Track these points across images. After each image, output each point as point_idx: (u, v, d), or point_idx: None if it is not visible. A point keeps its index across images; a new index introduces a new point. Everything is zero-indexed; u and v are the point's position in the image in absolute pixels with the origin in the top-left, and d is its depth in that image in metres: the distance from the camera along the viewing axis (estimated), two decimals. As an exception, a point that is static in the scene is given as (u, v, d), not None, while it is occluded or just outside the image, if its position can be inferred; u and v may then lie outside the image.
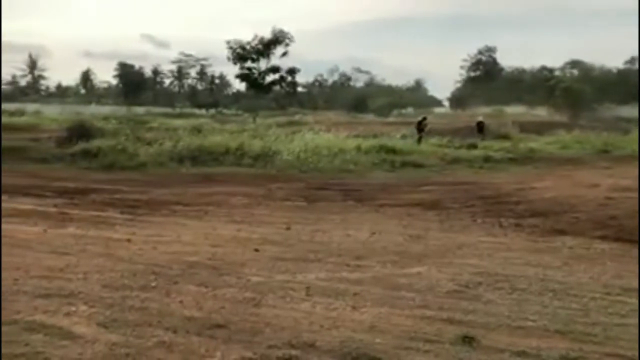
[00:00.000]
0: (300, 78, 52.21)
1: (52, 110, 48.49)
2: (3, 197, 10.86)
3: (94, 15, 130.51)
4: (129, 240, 7.53)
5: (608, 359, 4.08)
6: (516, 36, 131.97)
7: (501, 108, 57.74)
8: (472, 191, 13.00)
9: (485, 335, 4.41)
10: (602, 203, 11.05)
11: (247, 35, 59.07)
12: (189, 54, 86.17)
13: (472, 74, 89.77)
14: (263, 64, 45.14)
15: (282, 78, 46.18)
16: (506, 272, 6.26)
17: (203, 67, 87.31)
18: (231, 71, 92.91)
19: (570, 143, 26.58)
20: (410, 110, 70.39)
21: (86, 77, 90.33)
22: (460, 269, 6.37)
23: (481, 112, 44.79)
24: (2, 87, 78.74)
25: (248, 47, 44.05)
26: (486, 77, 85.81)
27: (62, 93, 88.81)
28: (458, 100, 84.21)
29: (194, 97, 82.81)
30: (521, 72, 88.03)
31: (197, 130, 25.90)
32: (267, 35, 44.04)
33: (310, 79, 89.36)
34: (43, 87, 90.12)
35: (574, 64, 76.78)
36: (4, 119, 35.41)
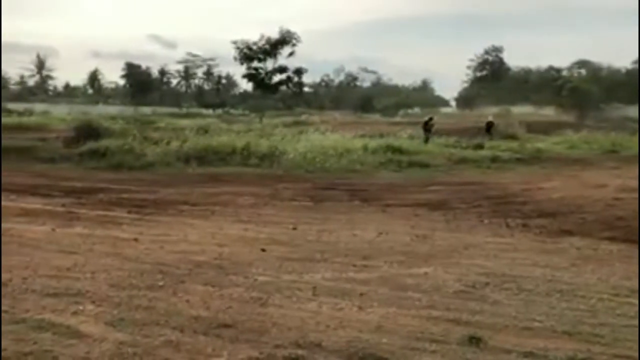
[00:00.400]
0: (306, 78, 52.22)
1: (60, 110, 48.73)
2: (12, 197, 10.94)
3: (101, 16, 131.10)
4: (136, 240, 7.56)
5: (616, 360, 4.06)
6: (523, 36, 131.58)
7: (508, 108, 57.55)
8: (479, 191, 12.96)
9: (492, 336, 4.39)
10: (610, 204, 11.00)
11: (253, 35, 59.32)
12: (195, 54, 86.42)
13: (479, 73, 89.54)
14: (270, 64, 45.21)
15: (288, 78, 46.21)
16: (513, 273, 6.24)
17: (210, 67, 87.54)
18: (238, 71, 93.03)
19: (578, 143, 26.45)
20: (416, 110, 70.32)
21: (94, 77, 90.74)
22: (467, 270, 6.35)
23: (489, 112, 44.61)
24: (11, 87, 79.31)
25: (255, 47, 44.10)
26: (493, 77, 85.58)
27: (69, 93, 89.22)
28: (465, 100, 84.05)
29: (200, 97, 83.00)
30: (528, 72, 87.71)
31: (204, 130, 25.92)
32: (274, 35, 44.13)
33: (317, 79, 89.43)
34: (51, 87, 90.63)
35: (582, 63, 76.40)
36: (13, 119, 35.67)
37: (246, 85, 59.19)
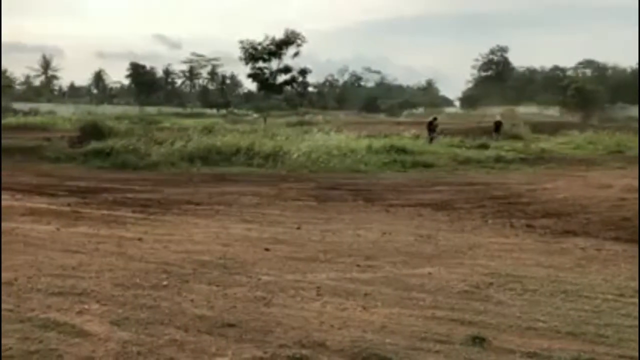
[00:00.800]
0: (311, 78, 52.38)
1: (65, 110, 48.97)
2: (17, 196, 10.99)
3: (106, 17, 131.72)
4: (140, 239, 7.58)
5: (620, 361, 4.06)
6: (528, 36, 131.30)
7: (513, 108, 57.47)
8: (483, 191, 12.95)
9: (496, 336, 4.39)
10: (615, 204, 10.97)
11: (257, 35, 59.28)
12: (200, 54, 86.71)
13: (484, 73, 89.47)
14: (274, 65, 45.23)
15: (293, 78, 46.21)
16: (517, 273, 6.23)
17: (214, 67, 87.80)
18: (242, 71, 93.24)
19: (583, 143, 26.42)
20: (421, 110, 70.28)
21: (99, 77, 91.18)
22: (471, 270, 6.35)
23: (493, 112, 44.55)
24: (16, 87, 79.65)
25: (260, 47, 44.13)
26: (498, 77, 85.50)
27: (75, 93, 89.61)
28: (469, 100, 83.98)
29: (205, 97, 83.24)
30: (533, 72, 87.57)
31: (208, 130, 26.02)
32: (279, 35, 44.16)
33: (321, 79, 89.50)
34: (56, 88, 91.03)
35: (587, 63, 76.25)
36: (19, 119, 35.88)
37: (250, 85, 59.35)
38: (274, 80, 45.72)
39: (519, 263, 6.76)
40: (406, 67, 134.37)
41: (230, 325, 4.52)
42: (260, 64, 44.84)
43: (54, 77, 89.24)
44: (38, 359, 3.87)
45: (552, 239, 8.31)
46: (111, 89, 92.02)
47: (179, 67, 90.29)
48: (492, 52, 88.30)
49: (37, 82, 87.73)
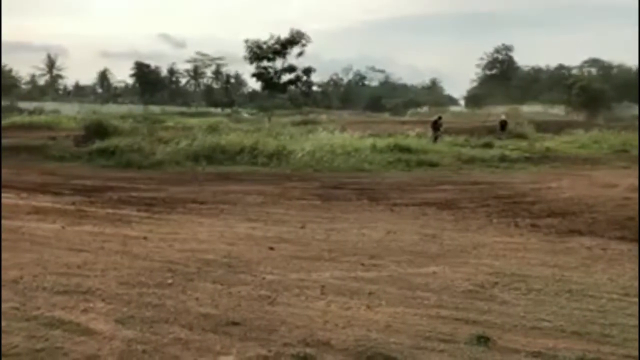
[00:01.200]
0: (315, 77, 52.17)
1: (70, 109, 49.11)
2: (22, 195, 11.04)
3: (111, 16, 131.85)
4: (145, 238, 7.60)
5: (625, 360, 4.04)
6: (533, 35, 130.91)
7: (517, 107, 57.29)
8: (487, 191, 12.92)
9: (500, 336, 4.38)
10: (620, 203, 10.93)
11: (261, 34, 59.26)
12: (204, 54, 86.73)
13: (489, 72, 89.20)
14: (279, 64, 45.25)
15: (297, 78, 46.22)
16: (522, 273, 6.22)
17: (218, 66, 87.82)
18: (246, 70, 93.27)
19: (588, 142, 26.32)
20: (425, 109, 70.13)
21: (103, 76, 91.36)
22: (475, 269, 6.34)
23: (498, 111, 44.47)
24: (22, 86, 79.94)
25: (265, 46, 44.16)
26: (502, 76, 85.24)
27: (79, 92, 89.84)
28: (474, 99, 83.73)
29: (209, 96, 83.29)
30: (538, 70, 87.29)
31: (213, 129, 26.04)
32: (284, 35, 44.19)
33: (325, 79, 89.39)
34: (61, 87, 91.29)
35: (593, 62, 75.95)
36: (24, 118, 36.02)
37: (255, 85, 59.32)
38: (278, 80, 45.77)
39: (524, 262, 6.75)
40: (410, 66, 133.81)
41: (235, 324, 4.52)
42: (265, 63, 44.90)
43: (59, 76, 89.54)
44: (44, 357, 3.89)
45: (557, 238, 8.29)
46: (116, 88, 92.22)
47: (183, 67, 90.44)
48: (497, 50, 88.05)
49: (42, 82, 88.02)
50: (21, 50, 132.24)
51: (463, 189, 13.15)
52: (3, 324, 4.39)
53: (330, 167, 17.08)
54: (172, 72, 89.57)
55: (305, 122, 38.23)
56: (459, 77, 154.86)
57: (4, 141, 21.03)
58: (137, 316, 4.65)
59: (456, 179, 15.44)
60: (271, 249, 7.12)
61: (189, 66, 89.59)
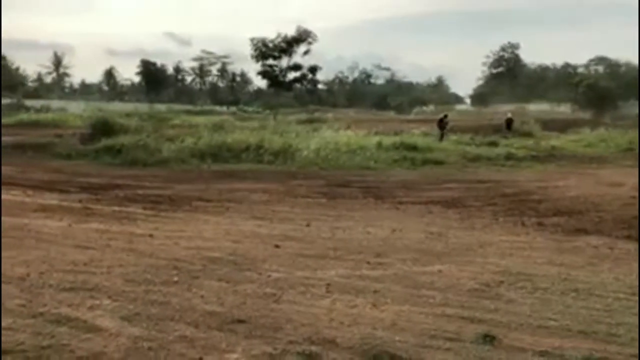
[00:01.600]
0: (320, 75, 52.21)
1: (76, 107, 49.25)
2: (29, 192, 11.08)
3: (117, 14, 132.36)
4: (151, 236, 7.62)
5: (632, 360, 4.02)
6: (540, 33, 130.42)
7: (524, 105, 57.10)
8: (493, 189, 12.88)
9: (506, 335, 4.37)
10: (627, 202, 10.87)
11: (267, 32, 59.23)
12: (210, 52, 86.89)
13: (495, 70, 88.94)
14: (284, 62, 45.27)
15: (303, 76, 46.22)
16: (528, 271, 6.20)
17: (224, 64, 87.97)
18: (252, 68, 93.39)
19: (594, 141, 26.18)
20: (431, 107, 69.98)
21: (109, 74, 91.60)
22: (481, 268, 6.32)
23: (504, 110, 44.31)
24: (29, 84, 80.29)
25: (271, 44, 44.17)
26: (509, 74, 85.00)
27: (85, 90, 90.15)
28: (480, 97, 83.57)
29: (215, 95, 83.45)
30: (545, 69, 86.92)
31: (218, 127, 26.04)
32: (291, 33, 44.20)
33: (331, 77, 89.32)
34: (67, 85, 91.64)
35: (600, 60, 75.54)
36: (30, 116, 36.17)
37: (260, 83, 59.39)
38: (284, 78, 45.78)
39: (530, 261, 6.73)
40: (416, 64, 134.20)
41: (240, 322, 4.53)
42: (271, 61, 44.91)
43: (66, 74, 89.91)
44: (50, 354, 3.90)
45: (564, 237, 8.26)
46: (122, 86, 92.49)
47: (189, 65, 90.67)
48: (503, 49, 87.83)
49: (48, 80, 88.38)
50: (28, 48, 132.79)
51: (469, 188, 13.11)
52: (9, 320, 4.42)
53: (335, 165, 17.06)
54: (177, 70, 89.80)
55: (310, 120, 38.19)
56: (465, 75, 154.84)
57: (10, 139, 21.16)
58: (143, 313, 4.66)
59: (462, 177, 15.39)
60: (277, 246, 7.13)
61: (195, 64, 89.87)
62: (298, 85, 47.91)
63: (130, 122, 24.83)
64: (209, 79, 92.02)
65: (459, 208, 10.48)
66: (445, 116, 28.25)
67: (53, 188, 11.90)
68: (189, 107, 66.93)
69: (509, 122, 30.15)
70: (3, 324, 4.34)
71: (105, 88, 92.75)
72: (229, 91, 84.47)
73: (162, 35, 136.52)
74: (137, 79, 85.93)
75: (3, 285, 5.27)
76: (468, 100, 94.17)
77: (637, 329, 4.52)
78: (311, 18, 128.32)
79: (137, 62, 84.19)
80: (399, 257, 6.72)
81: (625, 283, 5.85)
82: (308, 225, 8.61)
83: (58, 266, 6.01)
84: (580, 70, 76.74)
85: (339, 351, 4.03)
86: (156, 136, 20.63)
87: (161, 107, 60.07)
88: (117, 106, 56.01)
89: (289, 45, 43.98)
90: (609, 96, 53.46)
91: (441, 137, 25.21)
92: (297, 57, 45.18)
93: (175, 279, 5.68)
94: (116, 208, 9.81)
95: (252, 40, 44.40)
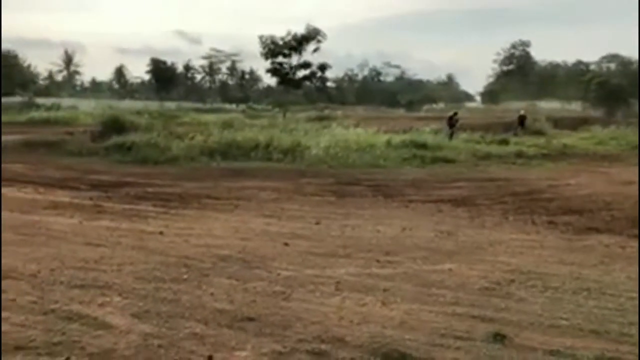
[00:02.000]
0: (330, 73, 52.07)
1: (86, 105, 49.50)
2: (40, 190, 11.16)
3: (127, 13, 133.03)
4: (161, 233, 7.65)
5: (645, 360, 3.98)
6: (551, 30, 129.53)
7: (534, 103, 56.75)
8: (504, 187, 12.81)
9: (517, 334, 4.35)
10: (638, 201, 10.75)
11: (276, 30, 59.20)
12: (220, 50, 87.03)
13: (505, 68, 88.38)
14: (294, 60, 45.22)
15: (312, 73, 46.16)
16: (539, 270, 6.16)
17: (234, 62, 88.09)
18: (261, 66, 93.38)
19: (606, 139, 25.99)
20: (441, 105, 69.72)
21: (120, 72, 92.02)
22: (491, 266, 6.29)
23: (514, 107, 44.10)
24: (40, 82, 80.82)
25: (281, 42, 44.16)
26: (519, 72, 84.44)
27: (96, 88, 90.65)
28: (490, 94, 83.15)
29: (224, 93, 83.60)
30: (556, 66, 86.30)
31: (228, 125, 26.09)
32: (300, 31, 44.14)
33: (340, 74, 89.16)
34: (78, 83, 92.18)
35: (611, 57, 74.82)
36: (41, 114, 36.45)
37: (270, 81, 59.41)
38: (293, 76, 45.74)
39: (541, 260, 6.68)
40: (426, 61, 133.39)
41: (250, 319, 4.54)
42: (280, 59, 44.90)
43: (76, 72, 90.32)
44: (61, 350, 3.93)
45: (575, 235, 8.20)
46: (132, 84, 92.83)
47: (198, 63, 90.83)
48: (514, 46, 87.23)
49: (59, 78, 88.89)
50: (39, 47, 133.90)
51: (479, 186, 13.05)
52: (22, 317, 4.45)
53: (345, 163, 17.03)
54: (187, 68, 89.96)
55: (320, 118, 38.17)
56: (476, 73, 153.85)
57: (22, 136, 21.34)
58: (153, 311, 4.68)
59: (472, 175, 15.31)
60: (286, 244, 7.13)
61: (205, 62, 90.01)
62: (307, 83, 47.81)
63: (140, 120, 24.90)
64: (219, 77, 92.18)
65: (469, 206, 10.43)
66: (455, 114, 28.08)
67: (64, 185, 11.98)
68: (199, 105, 67.19)
69: (522, 119, 29.97)
70: (15, 321, 4.37)
71: (116, 86, 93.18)
72: (238, 89, 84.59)
73: (172, 33, 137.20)
74: (147, 77, 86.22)
75: (15, 282, 5.32)
76: (478, 98, 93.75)
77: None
78: (320, 16, 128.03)
79: (147, 60, 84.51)
80: (408, 256, 6.70)
81: (637, 282, 5.79)
82: (317, 223, 8.61)
83: (69, 263, 6.05)
84: (592, 67, 76.10)
85: (348, 349, 4.02)
86: (166, 134, 20.69)
87: (171, 105, 60.35)
88: (128, 104, 56.26)
89: (298, 43, 43.93)
90: (621, 94, 52.99)
91: (451, 135, 25.10)
92: (307, 55, 45.16)
93: (185, 276, 5.70)
94: (126, 206, 9.85)
95: (261, 38, 44.41)
